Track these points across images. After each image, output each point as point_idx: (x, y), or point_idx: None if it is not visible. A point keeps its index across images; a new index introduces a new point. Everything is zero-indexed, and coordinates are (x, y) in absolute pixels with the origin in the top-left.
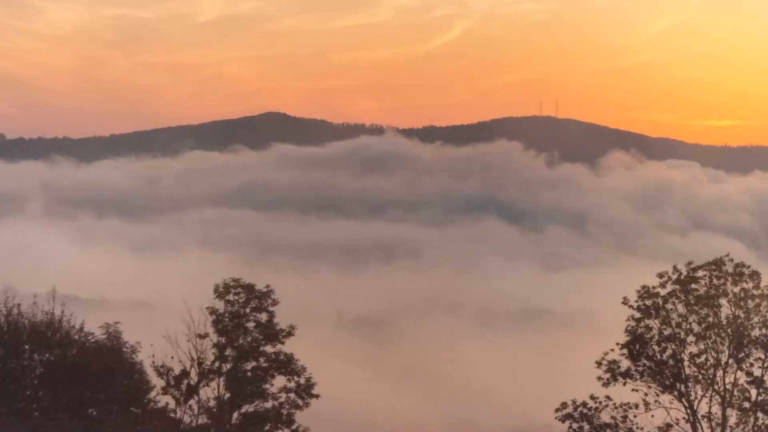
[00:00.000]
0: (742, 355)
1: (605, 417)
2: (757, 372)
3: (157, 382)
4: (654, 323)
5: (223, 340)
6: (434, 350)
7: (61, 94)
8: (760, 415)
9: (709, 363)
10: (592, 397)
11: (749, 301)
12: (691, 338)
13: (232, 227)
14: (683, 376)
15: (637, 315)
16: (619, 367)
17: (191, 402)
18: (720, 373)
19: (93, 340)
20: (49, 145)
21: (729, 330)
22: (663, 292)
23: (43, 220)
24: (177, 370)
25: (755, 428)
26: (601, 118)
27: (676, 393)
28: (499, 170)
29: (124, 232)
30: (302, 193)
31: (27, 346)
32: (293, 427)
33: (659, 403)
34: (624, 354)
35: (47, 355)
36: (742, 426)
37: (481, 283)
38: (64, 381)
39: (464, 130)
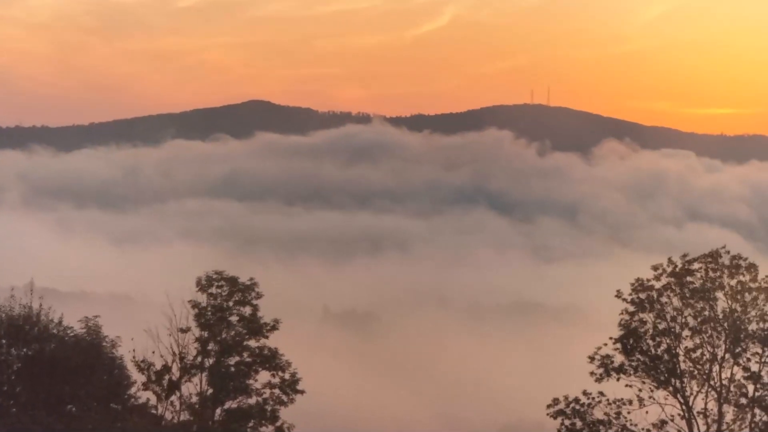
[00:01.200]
0: (738, 349)
1: (598, 413)
2: (754, 367)
3: (138, 377)
4: (648, 317)
5: (205, 334)
6: (422, 345)
7: (39, 82)
8: (757, 411)
9: (704, 358)
10: (584, 393)
11: (746, 294)
12: (686, 332)
13: (215, 218)
14: (678, 371)
15: (631, 308)
16: (612, 362)
17: (173, 398)
18: (716, 368)
19: (72, 334)
20: (26, 133)
21: (725, 324)
22: (657, 285)
23: (20, 210)
24: (158, 365)
25: (752, 425)
26: (594, 106)
27: (671, 389)
28: (489, 160)
29: (104, 224)
30: (287, 184)
31: (4, 341)
32: (278, 424)
33: (654, 399)
34: (617, 349)
35: (25, 349)
36: (738, 423)
37: (470, 275)
38: (42, 376)
39: (453, 119)
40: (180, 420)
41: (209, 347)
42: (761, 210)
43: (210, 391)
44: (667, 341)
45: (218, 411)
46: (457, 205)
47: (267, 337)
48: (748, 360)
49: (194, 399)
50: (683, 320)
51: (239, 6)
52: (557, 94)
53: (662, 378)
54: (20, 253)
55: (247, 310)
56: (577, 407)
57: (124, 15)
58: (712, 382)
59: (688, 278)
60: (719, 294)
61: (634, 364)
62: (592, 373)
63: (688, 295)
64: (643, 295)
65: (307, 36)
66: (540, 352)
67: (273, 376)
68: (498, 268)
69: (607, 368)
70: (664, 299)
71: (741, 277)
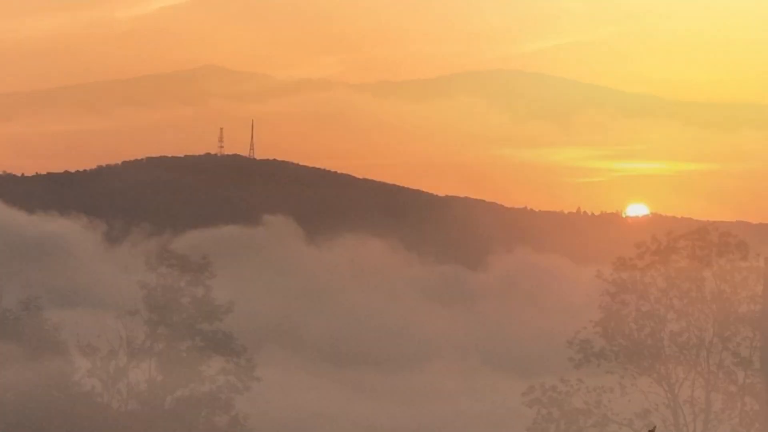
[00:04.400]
0: (728, 333)
1: (577, 402)
2: (744, 352)
3: (82, 363)
4: (631, 298)
5: (155, 317)
6: None
7: None
8: (747, 399)
9: (691, 342)
10: (562, 380)
11: (736, 274)
12: (671, 315)
13: None
14: (663, 356)
15: (612, 289)
16: (592, 347)
17: (120, 385)
18: (703, 353)
19: (12, 316)
20: None
21: (714, 306)
22: (641, 263)
23: None
24: (104, 350)
25: (742, 414)
26: (574, 72)
27: (655, 375)
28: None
29: None
30: None
31: None
32: (232, 413)
33: (636, 386)
34: (598, 332)
35: None
36: (728, 412)
37: None
38: None
39: (422, 85)
40: (127, 409)
41: (159, 331)
42: None
43: (160, 377)
44: (651, 324)
45: (168, 399)
46: None
47: (221, 320)
48: (738, 344)
49: (143, 386)
50: (668, 302)
51: None
52: (533, 59)
53: (645, 364)
54: None
55: (199, 291)
56: (555, 395)
57: None
58: (699, 369)
59: (674, 256)
60: (707, 274)
61: (615, 349)
62: (570, 359)
63: (673, 274)
64: (625, 275)
65: None
66: None
67: (227, 361)
68: None
69: (586, 353)
70: (647, 279)
71: (730, 256)
